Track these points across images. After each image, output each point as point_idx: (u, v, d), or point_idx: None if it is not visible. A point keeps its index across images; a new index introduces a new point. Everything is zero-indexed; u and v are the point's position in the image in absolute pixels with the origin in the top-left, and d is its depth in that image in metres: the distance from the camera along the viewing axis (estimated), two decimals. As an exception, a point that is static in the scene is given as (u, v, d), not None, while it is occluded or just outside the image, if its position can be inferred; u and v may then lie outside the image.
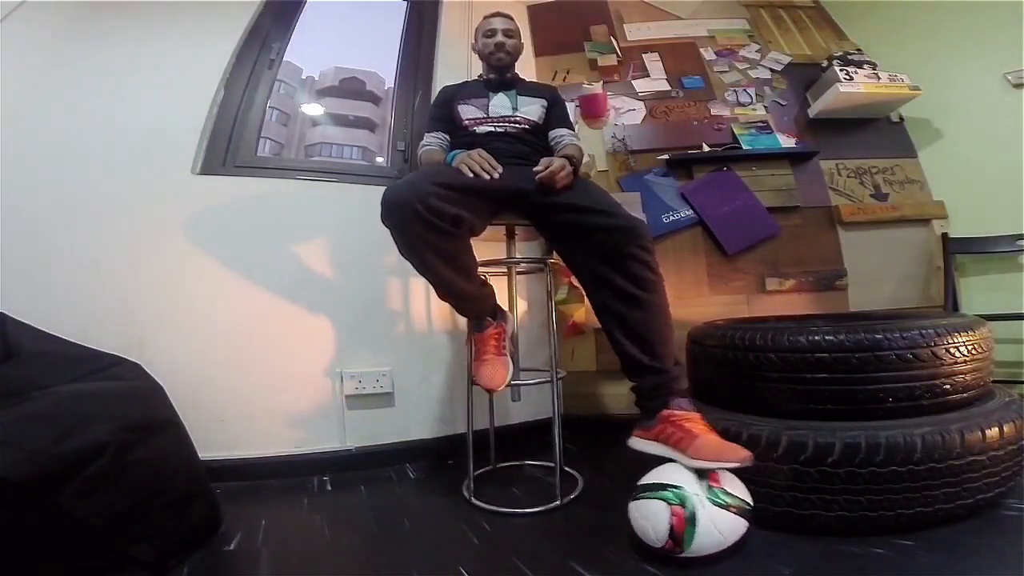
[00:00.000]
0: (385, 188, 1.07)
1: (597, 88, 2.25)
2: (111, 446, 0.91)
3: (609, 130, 2.18)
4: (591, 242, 1.14)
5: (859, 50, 2.29)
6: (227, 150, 1.69)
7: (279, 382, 1.58)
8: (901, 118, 2.22)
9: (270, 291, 1.61)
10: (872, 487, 0.93)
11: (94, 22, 1.62)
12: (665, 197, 2.08)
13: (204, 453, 1.22)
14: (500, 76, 1.48)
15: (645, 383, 1.12)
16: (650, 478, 0.98)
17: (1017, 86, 1.96)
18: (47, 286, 1.41)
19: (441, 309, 1.75)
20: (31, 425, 0.87)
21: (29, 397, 0.94)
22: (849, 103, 2.10)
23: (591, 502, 1.27)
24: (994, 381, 1.16)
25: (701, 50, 2.35)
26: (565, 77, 2.28)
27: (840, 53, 2.24)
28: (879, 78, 2.05)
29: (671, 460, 1.00)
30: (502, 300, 1.42)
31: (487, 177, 1.16)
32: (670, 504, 0.91)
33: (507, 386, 1.27)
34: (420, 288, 1.74)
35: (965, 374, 1.05)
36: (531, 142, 1.42)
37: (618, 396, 1.89)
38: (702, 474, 0.94)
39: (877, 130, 2.22)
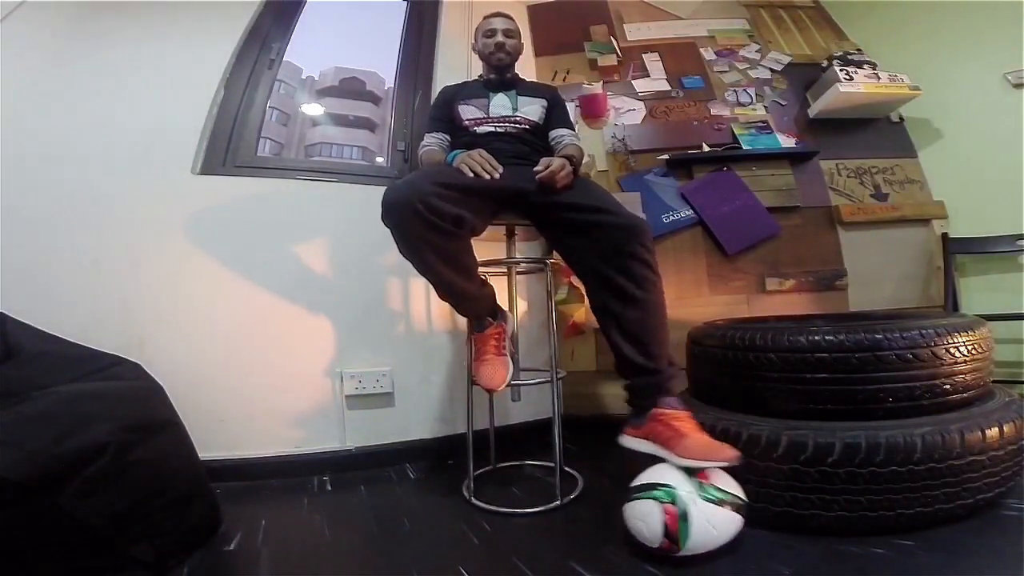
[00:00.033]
0: (386, 188, 1.07)
1: (597, 88, 2.25)
2: (111, 446, 0.91)
3: (609, 130, 2.18)
4: (591, 240, 1.15)
5: (859, 50, 2.29)
6: (227, 150, 1.69)
7: (279, 382, 1.58)
8: (901, 118, 2.22)
9: (270, 291, 1.61)
10: (872, 487, 0.93)
11: (94, 22, 1.62)
12: (665, 197, 2.08)
13: (204, 453, 1.21)
14: (500, 76, 1.48)
15: (637, 382, 1.13)
16: (641, 479, 0.99)
17: (1017, 86, 1.96)
18: (47, 286, 1.41)
19: (441, 309, 1.75)
20: (31, 425, 0.87)
21: (29, 397, 0.94)
22: (849, 103, 2.10)
23: (591, 502, 1.27)
24: (994, 381, 1.16)
25: (701, 50, 2.35)
26: (565, 77, 2.28)
27: (840, 53, 2.24)
28: (879, 78, 2.05)
29: (663, 460, 1.01)
30: (502, 300, 1.42)
31: (488, 177, 1.16)
32: (661, 503, 0.91)
33: (507, 386, 1.27)
34: (420, 288, 1.74)
35: (965, 374, 1.05)
36: (531, 142, 1.42)
37: (618, 396, 1.85)
38: (692, 472, 0.94)
39: (877, 130, 2.22)
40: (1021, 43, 1.91)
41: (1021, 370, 1.86)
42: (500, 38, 1.45)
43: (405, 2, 2.17)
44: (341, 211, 1.73)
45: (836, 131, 2.20)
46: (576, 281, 1.94)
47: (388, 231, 1.07)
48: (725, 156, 2.11)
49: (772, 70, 2.32)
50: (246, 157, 1.72)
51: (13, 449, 0.80)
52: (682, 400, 1.11)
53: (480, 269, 1.26)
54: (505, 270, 1.45)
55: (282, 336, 1.61)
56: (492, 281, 1.36)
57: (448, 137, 1.45)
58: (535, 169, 1.20)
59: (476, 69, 1.59)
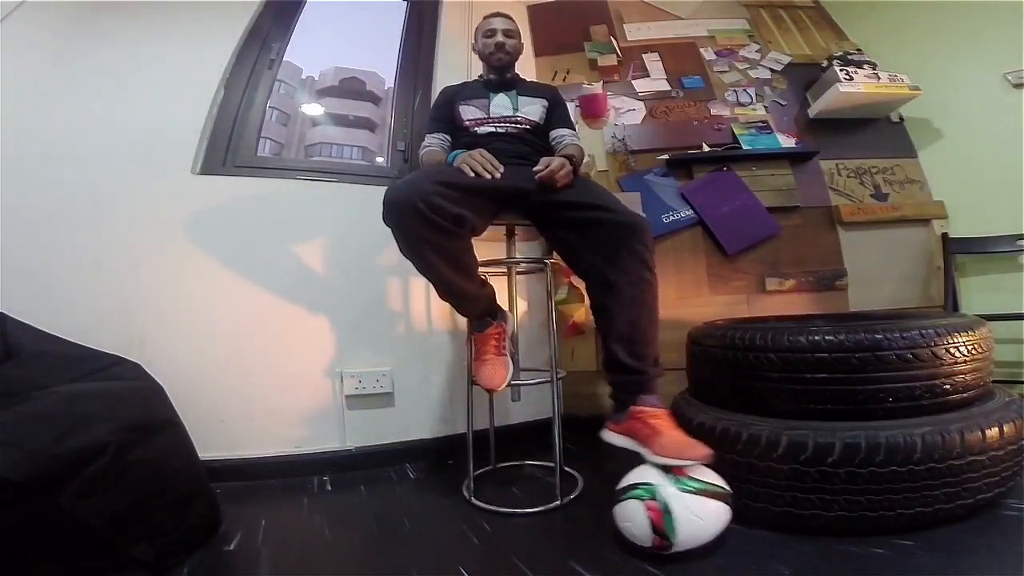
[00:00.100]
0: (387, 188, 1.07)
1: (597, 88, 2.25)
2: (111, 446, 0.91)
3: (609, 130, 2.18)
4: (591, 237, 1.15)
5: (859, 50, 2.29)
6: (227, 150, 1.69)
7: (279, 382, 1.58)
8: (901, 118, 2.22)
9: (270, 291, 1.61)
10: (872, 487, 0.93)
11: (94, 22, 1.62)
12: (665, 197, 2.08)
13: (204, 453, 1.21)
14: (500, 76, 1.48)
15: (621, 379, 1.15)
16: (624, 482, 1.01)
17: (1017, 86, 1.96)
18: (47, 286, 1.41)
19: (441, 309, 1.75)
20: (31, 425, 0.87)
21: (29, 397, 0.94)
22: (849, 103, 2.10)
23: (591, 502, 1.27)
24: (994, 381, 1.16)
25: (701, 50, 2.35)
26: (565, 77, 2.28)
27: (840, 53, 2.24)
28: (879, 78, 2.05)
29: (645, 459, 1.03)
30: (502, 300, 1.42)
31: (488, 177, 1.16)
32: (643, 500, 0.94)
33: (507, 386, 1.27)
34: (420, 288, 1.74)
35: (965, 374, 1.05)
36: (532, 142, 1.42)
37: (618, 396, 1.89)
38: (669, 468, 0.96)
39: (877, 130, 2.22)
40: (1021, 43, 1.91)
41: (1021, 370, 1.86)
42: (500, 38, 1.45)
43: (405, 2, 2.17)
44: (341, 211, 1.73)
45: (836, 131, 2.20)
46: (576, 281, 1.95)
47: (388, 231, 1.07)
48: (725, 156, 2.11)
49: (772, 70, 2.32)
50: (246, 157, 1.72)
51: (13, 449, 0.80)
52: (661, 398, 1.14)
53: (480, 269, 1.26)
54: (505, 270, 1.45)
55: (282, 336, 1.61)
56: (492, 281, 1.36)
57: (449, 138, 1.45)
58: (535, 169, 1.20)
59: (476, 69, 1.59)
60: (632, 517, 0.95)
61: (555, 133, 1.46)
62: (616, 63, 2.30)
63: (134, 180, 1.54)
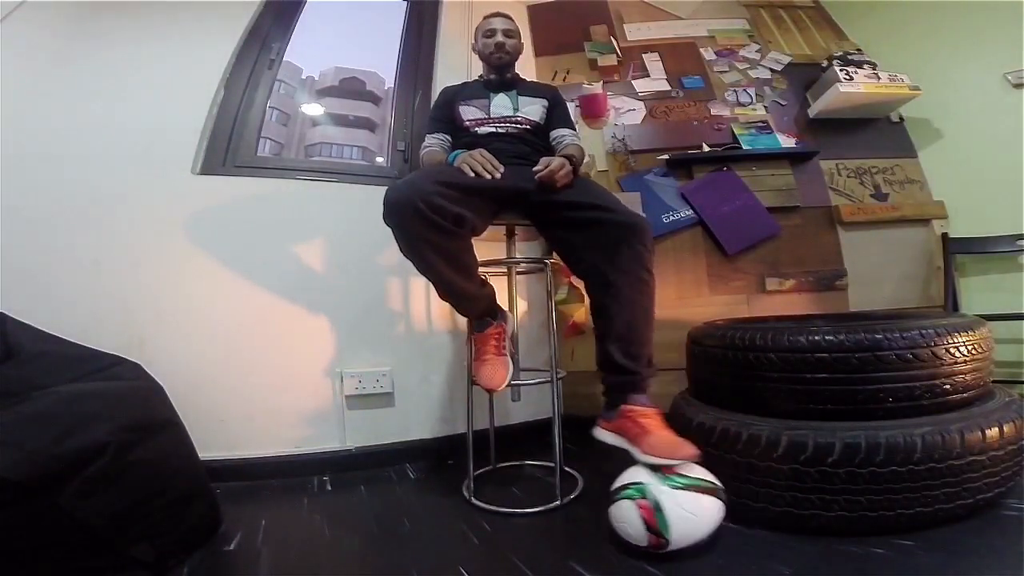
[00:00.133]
0: (387, 187, 1.07)
1: (597, 88, 2.25)
2: (111, 446, 0.91)
3: (609, 130, 2.18)
4: (591, 237, 1.15)
5: (859, 50, 2.29)
6: (227, 150, 1.69)
7: (279, 382, 1.58)
8: (901, 118, 2.22)
9: (270, 291, 1.61)
10: (872, 487, 0.93)
11: (94, 22, 1.62)
12: (665, 197, 2.08)
13: (204, 453, 1.21)
14: (500, 76, 1.48)
15: (614, 379, 1.17)
16: (616, 484, 1.02)
17: (1017, 86, 1.96)
18: (47, 286, 1.41)
19: (441, 309, 1.75)
20: (31, 425, 0.87)
21: (29, 397, 0.94)
22: (849, 103, 2.10)
23: (591, 502, 1.27)
24: (994, 381, 1.16)
25: (701, 50, 2.35)
26: (565, 77, 2.28)
27: (840, 53, 2.24)
28: (879, 78, 2.05)
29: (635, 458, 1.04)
30: (502, 300, 1.42)
31: (488, 177, 1.16)
32: (634, 500, 0.95)
33: (507, 386, 1.27)
34: (420, 288, 1.74)
35: (965, 374, 1.05)
36: (532, 142, 1.42)
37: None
38: (658, 467, 0.97)
39: (877, 130, 2.22)
40: (1021, 43, 1.91)
41: (1021, 370, 1.86)
42: (500, 38, 1.45)
43: (405, 2, 2.17)
44: (341, 211, 1.73)
45: (836, 131, 2.20)
46: (576, 281, 1.94)
47: (388, 231, 1.07)
48: (725, 156, 2.11)
49: (772, 70, 2.32)
50: (246, 157, 1.72)
51: (13, 449, 0.80)
52: (652, 397, 1.15)
53: (480, 269, 1.26)
54: (505, 270, 1.45)
55: (282, 336, 1.61)
56: (492, 281, 1.36)
57: (449, 138, 1.45)
58: (534, 169, 1.20)
59: (476, 69, 1.59)
60: (626, 517, 0.96)
61: (555, 133, 1.47)
62: (616, 63, 2.30)
63: (134, 180, 1.54)
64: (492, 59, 1.47)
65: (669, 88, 2.26)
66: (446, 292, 1.20)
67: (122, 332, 1.43)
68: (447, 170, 1.21)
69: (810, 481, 0.96)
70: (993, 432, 0.96)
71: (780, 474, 0.99)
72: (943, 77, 2.11)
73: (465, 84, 1.55)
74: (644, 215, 1.93)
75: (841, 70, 2.06)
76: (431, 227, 1.04)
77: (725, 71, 2.31)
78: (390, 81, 2.16)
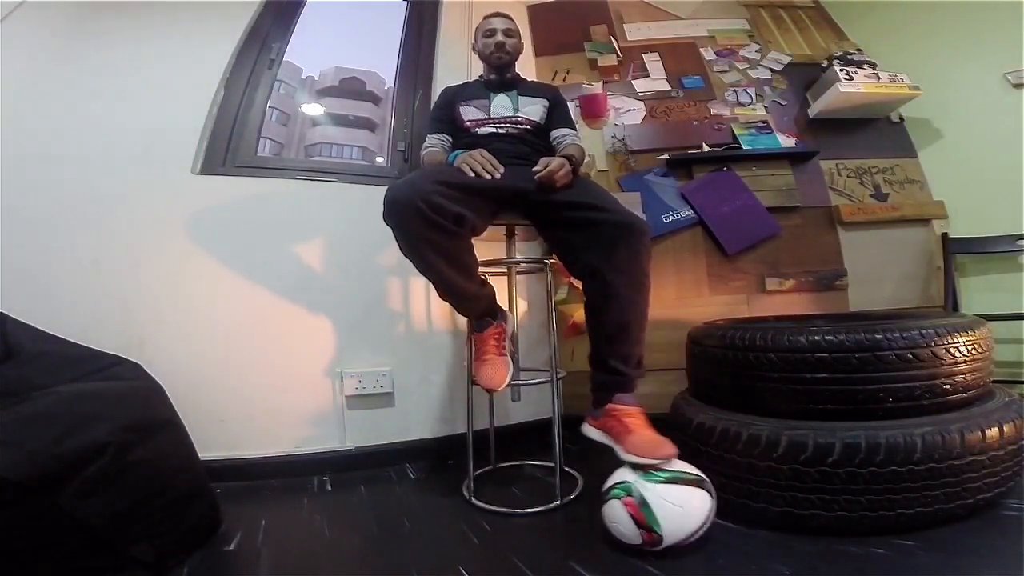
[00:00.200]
0: (387, 187, 1.08)
1: (597, 88, 2.25)
2: (111, 446, 0.91)
3: (609, 130, 2.18)
4: (589, 237, 1.15)
5: (859, 50, 2.29)
6: (227, 150, 1.69)
7: (279, 382, 1.58)
8: (901, 118, 2.22)
9: (270, 291, 1.61)
10: (872, 487, 0.93)
11: (94, 22, 1.62)
12: (665, 197, 2.08)
13: (204, 453, 1.22)
14: (500, 76, 1.48)
15: (604, 378, 1.18)
16: (605, 485, 1.03)
17: (1017, 86, 1.96)
18: (47, 286, 1.41)
19: (441, 309, 1.75)
20: (31, 425, 0.87)
21: (29, 397, 0.94)
22: (849, 103, 2.10)
23: (591, 502, 1.26)
24: (994, 381, 1.16)
25: (701, 50, 2.35)
26: (565, 77, 2.28)
27: (840, 53, 2.24)
28: (879, 78, 2.05)
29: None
30: (502, 300, 1.42)
31: (488, 177, 1.16)
32: (621, 499, 0.97)
33: (507, 386, 1.27)
34: (420, 288, 1.74)
35: (965, 374, 1.05)
36: (532, 142, 1.42)
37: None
38: (640, 465, 0.99)
39: (877, 130, 2.22)
40: (1021, 43, 1.91)
41: (1021, 370, 1.86)
42: (500, 38, 1.45)
43: (405, 2, 2.17)
44: (341, 211, 1.73)
45: (836, 131, 2.19)
46: (576, 281, 1.94)
47: (389, 231, 1.07)
48: (725, 156, 2.11)
49: (772, 70, 2.32)
50: (246, 157, 1.72)
51: (13, 449, 0.80)
52: (636, 396, 1.17)
53: (480, 269, 1.26)
54: (505, 270, 1.45)
55: (282, 336, 1.61)
56: (492, 281, 1.36)
57: (449, 138, 1.45)
58: (534, 169, 1.20)
59: (476, 69, 1.59)
60: (616, 517, 0.97)
61: (556, 133, 1.47)
62: (616, 63, 2.30)
63: (134, 180, 1.54)
64: (492, 59, 1.47)
65: (669, 88, 2.26)
66: (446, 292, 1.20)
67: (122, 332, 1.43)
68: (447, 170, 1.21)
69: (810, 481, 0.96)
70: (993, 432, 0.96)
71: (780, 474, 0.99)
72: (943, 77, 2.11)
73: (465, 84, 1.55)
74: (644, 216, 1.95)
75: (841, 70, 2.06)
76: (431, 227, 1.04)
77: (725, 71, 2.31)
78: (390, 81, 2.16)
